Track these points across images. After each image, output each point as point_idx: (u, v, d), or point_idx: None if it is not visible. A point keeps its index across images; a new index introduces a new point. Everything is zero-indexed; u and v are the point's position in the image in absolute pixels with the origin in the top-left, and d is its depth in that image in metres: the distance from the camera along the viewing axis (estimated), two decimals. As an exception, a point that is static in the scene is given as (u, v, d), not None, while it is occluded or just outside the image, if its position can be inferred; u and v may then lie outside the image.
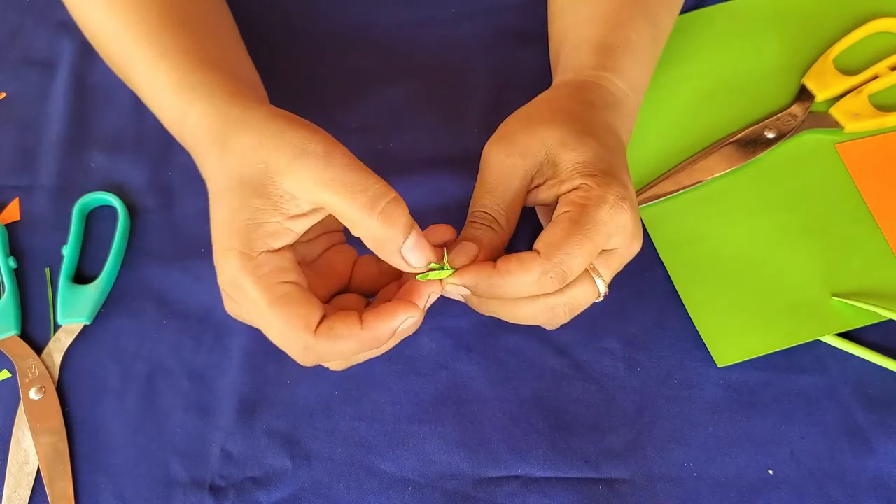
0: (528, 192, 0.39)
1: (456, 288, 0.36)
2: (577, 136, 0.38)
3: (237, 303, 0.35)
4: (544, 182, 0.38)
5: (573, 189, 0.37)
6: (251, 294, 0.33)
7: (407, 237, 0.33)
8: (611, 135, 0.39)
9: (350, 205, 0.33)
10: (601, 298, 0.38)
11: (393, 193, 0.33)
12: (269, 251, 0.34)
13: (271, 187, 0.33)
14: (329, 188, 0.33)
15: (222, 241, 0.34)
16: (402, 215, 0.33)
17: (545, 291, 0.36)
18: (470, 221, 0.38)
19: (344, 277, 0.40)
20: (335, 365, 0.38)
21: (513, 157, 0.38)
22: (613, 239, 0.36)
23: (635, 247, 0.38)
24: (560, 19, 0.48)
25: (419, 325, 0.35)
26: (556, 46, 0.48)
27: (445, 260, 0.36)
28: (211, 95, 0.38)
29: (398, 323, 0.34)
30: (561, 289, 0.37)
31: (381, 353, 0.37)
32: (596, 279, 0.37)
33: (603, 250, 0.37)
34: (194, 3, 0.44)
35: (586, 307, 0.38)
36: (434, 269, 0.35)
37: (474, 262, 0.36)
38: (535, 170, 0.38)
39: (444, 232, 0.37)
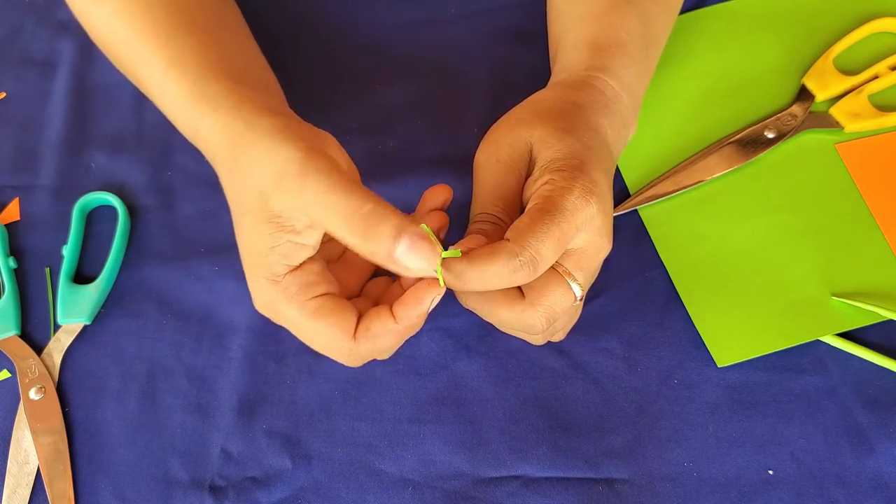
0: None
1: None
2: (557, 134, 0.38)
3: (278, 322, 0.37)
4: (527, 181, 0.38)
5: (543, 184, 0.36)
6: (287, 314, 0.35)
7: (397, 244, 0.32)
8: (593, 134, 0.39)
9: (334, 225, 0.33)
10: (577, 302, 0.38)
11: (369, 205, 0.32)
12: (291, 271, 0.35)
13: (269, 211, 0.34)
14: (308, 209, 0.33)
15: (249, 269, 0.36)
16: (382, 223, 0.32)
17: (517, 278, 0.34)
18: (472, 223, 0.38)
19: (370, 265, 0.41)
20: (382, 356, 0.39)
21: (501, 159, 0.38)
22: (581, 234, 0.36)
23: (605, 246, 0.37)
24: (557, 22, 0.48)
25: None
26: (553, 49, 0.48)
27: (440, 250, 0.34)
28: (218, 110, 0.38)
29: (427, 305, 0.35)
30: (536, 296, 0.36)
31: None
32: (570, 283, 0.37)
33: (572, 249, 0.36)
34: (202, 2, 0.44)
35: (563, 314, 0.38)
36: None
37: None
38: (524, 169, 0.38)
39: (441, 192, 0.38)
